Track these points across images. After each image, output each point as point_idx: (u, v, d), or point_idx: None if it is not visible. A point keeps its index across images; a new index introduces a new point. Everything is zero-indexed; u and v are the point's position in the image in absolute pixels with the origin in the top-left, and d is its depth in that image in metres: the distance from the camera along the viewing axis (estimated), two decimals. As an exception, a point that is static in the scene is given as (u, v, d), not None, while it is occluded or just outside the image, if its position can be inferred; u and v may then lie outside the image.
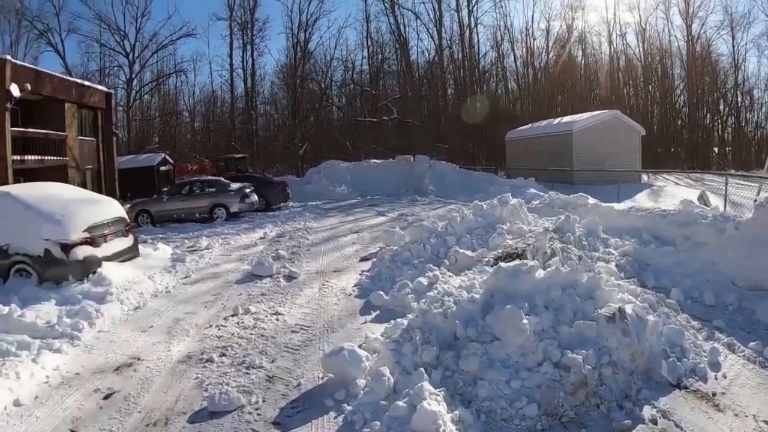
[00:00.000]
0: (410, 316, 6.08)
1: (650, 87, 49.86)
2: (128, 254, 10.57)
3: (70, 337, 6.58)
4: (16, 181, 21.51)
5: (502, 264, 6.13)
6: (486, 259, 8.05)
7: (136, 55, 45.59)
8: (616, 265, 7.80)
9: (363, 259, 10.90)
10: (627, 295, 5.81)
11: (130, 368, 5.77)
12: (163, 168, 32.62)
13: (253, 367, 5.57)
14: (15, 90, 20.73)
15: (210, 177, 22.46)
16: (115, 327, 7.26)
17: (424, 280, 7.49)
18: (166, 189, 21.73)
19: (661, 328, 5.29)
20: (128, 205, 21.24)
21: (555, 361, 4.66)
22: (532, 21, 53.41)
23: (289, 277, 9.53)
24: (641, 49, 49.34)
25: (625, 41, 50.87)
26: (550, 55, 49.15)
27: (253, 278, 9.65)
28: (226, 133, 47.30)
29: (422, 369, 4.66)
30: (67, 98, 24.67)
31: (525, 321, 4.78)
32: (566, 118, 30.65)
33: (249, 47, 46.51)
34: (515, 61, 48.76)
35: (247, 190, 20.07)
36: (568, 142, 27.18)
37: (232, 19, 46.45)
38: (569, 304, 5.27)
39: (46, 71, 25.02)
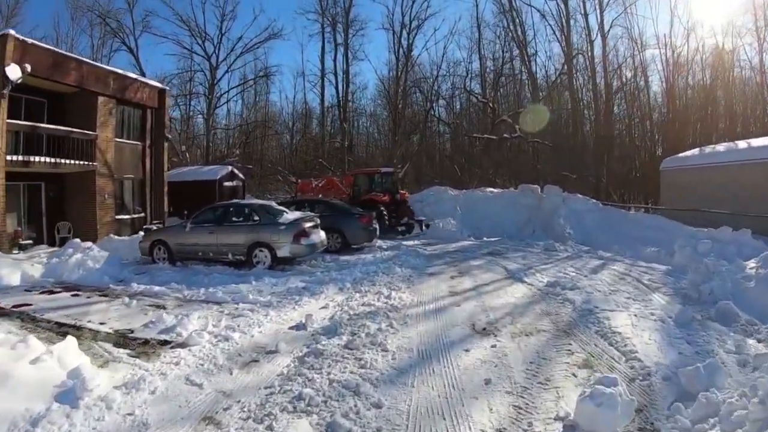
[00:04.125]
0: None
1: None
2: None
3: None
4: (10, 189, 16.65)
5: None
6: None
7: (219, 59, 40.50)
8: None
9: None
10: None
11: None
12: (228, 183, 26.87)
13: None
14: (13, 72, 15.59)
15: (255, 201, 15.86)
16: None
17: None
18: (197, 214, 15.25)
19: None
20: (143, 233, 15.67)
21: None
22: (670, 34, 43.30)
23: None
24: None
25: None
26: (691, 74, 39.64)
27: None
28: (314, 148, 41.32)
29: None
30: (101, 91, 19.87)
31: None
32: None
33: (343, 50, 40.43)
34: (645, 79, 39.50)
35: (307, 225, 13.34)
36: (785, 177, 18.57)
37: (324, 17, 40.66)
38: None
39: (73, 56, 20.00)
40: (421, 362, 6.22)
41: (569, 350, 6.50)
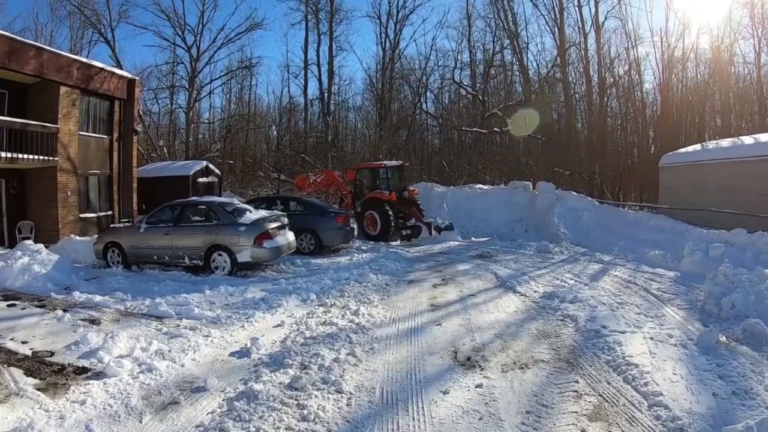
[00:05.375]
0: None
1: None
2: None
3: None
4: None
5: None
6: None
7: (201, 50, 38.60)
8: None
9: None
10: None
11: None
12: (203, 179, 25.18)
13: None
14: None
15: (216, 199, 14.14)
16: None
17: None
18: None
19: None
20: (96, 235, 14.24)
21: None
22: (666, 28, 41.58)
23: None
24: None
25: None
26: (686, 69, 38.00)
27: None
28: (297, 142, 39.72)
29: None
30: (63, 80, 18.17)
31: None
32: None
33: (327, 40, 38.68)
34: (639, 74, 37.90)
35: (271, 226, 11.89)
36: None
37: (307, 5, 38.95)
38: None
39: (32, 42, 18.50)
40: (384, 411, 4.79)
41: (576, 391, 5.12)
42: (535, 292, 9.51)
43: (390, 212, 18.38)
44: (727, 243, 12.13)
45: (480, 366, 5.84)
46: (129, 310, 8.75)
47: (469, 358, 6.10)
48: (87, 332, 7.09)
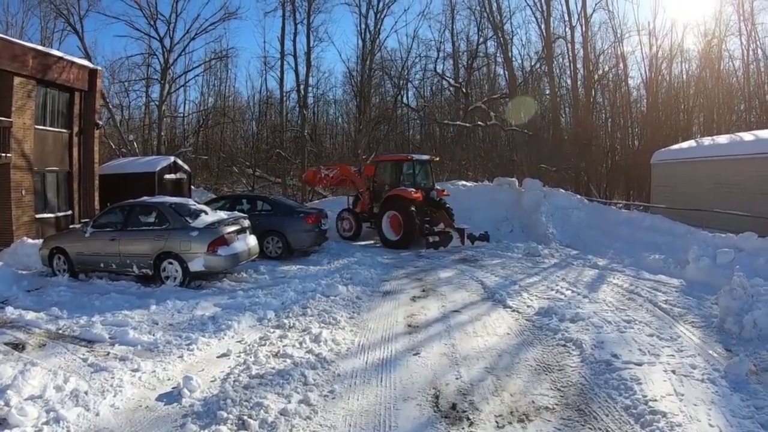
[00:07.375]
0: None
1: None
2: None
3: None
4: None
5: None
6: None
7: (174, 41, 36.66)
8: None
9: None
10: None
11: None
12: (170, 176, 23.62)
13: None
14: None
15: (167, 199, 12.35)
16: None
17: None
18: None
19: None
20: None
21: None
22: (654, 23, 40.53)
23: None
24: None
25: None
26: (674, 64, 37.07)
27: None
28: (273, 136, 38.19)
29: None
30: (17, 70, 16.83)
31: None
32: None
33: (304, 30, 36.65)
34: (625, 69, 36.86)
35: (228, 230, 10.52)
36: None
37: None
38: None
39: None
40: None
41: (594, 459, 3.90)
42: (528, 306, 8.31)
43: (416, 214, 15.85)
44: (736, 248, 11.03)
45: (468, 419, 4.56)
46: (60, 332, 7.46)
47: (454, 406, 4.82)
48: (2, 363, 5.92)
